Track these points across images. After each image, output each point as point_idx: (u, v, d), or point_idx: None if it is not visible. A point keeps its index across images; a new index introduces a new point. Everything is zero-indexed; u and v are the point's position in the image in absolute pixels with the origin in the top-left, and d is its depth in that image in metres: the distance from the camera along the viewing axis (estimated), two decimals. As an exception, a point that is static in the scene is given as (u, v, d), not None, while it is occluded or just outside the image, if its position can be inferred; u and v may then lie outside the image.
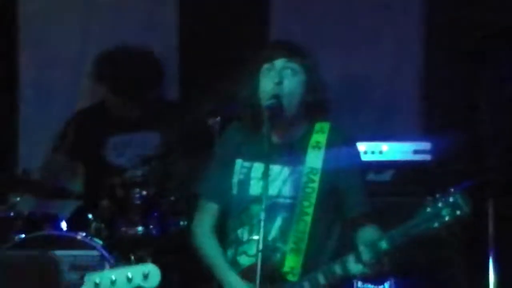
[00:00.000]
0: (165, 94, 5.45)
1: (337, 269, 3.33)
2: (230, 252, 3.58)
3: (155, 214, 4.73)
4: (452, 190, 3.27)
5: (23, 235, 4.60)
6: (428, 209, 3.23)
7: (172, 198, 4.82)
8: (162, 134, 5.15)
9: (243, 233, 3.53)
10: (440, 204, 3.21)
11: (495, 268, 4.54)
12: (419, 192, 4.43)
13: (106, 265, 4.61)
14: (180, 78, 5.70)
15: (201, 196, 3.71)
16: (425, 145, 4.82)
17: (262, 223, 3.22)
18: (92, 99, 5.34)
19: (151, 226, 4.72)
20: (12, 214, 4.78)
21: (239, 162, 3.58)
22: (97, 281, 3.31)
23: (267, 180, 3.34)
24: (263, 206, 3.27)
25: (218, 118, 4.36)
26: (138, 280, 3.31)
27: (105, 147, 5.25)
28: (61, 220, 4.85)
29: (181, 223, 4.76)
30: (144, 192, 4.76)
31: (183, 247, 4.43)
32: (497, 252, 4.56)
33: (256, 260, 3.28)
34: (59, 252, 4.43)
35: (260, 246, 3.21)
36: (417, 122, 5.47)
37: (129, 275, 3.29)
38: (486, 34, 5.42)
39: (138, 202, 4.74)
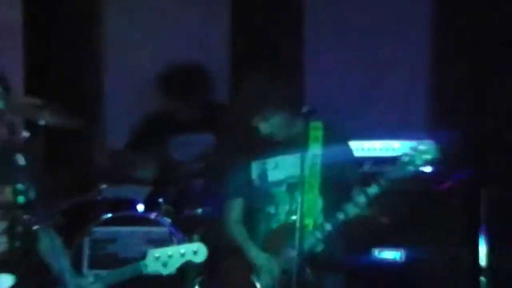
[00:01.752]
0: (218, 101, 5.76)
1: (339, 215, 3.97)
2: (263, 226, 4.24)
3: (211, 199, 5.23)
4: (423, 142, 3.91)
5: (109, 215, 5.13)
6: (404, 158, 3.88)
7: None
8: (215, 135, 5.55)
9: (270, 209, 4.22)
10: (412, 153, 3.86)
11: (485, 241, 4.94)
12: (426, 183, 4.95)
13: (174, 240, 5.06)
14: (231, 87, 6.07)
15: (229, 194, 4.39)
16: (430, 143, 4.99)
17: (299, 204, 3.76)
18: (159, 106, 5.73)
19: (208, 209, 5.27)
20: (99, 198, 5.36)
21: (254, 164, 4.28)
22: (157, 255, 3.80)
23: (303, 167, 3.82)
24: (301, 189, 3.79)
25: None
26: (189, 255, 3.84)
27: (169, 145, 5.63)
28: (138, 203, 5.31)
29: None
30: (202, 182, 5.33)
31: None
32: (487, 228, 4.94)
33: (283, 223, 4.09)
34: (136, 228, 5.09)
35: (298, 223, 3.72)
36: (424, 124, 5.87)
37: (182, 251, 3.82)
38: (496, 42, 5.62)
39: (197, 190, 5.33)
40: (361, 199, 3.93)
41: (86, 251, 5.11)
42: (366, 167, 4.90)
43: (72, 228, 5.07)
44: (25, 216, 3.65)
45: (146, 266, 3.80)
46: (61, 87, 5.99)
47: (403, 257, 5.14)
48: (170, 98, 5.60)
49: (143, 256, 4.03)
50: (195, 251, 3.84)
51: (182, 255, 3.83)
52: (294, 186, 4.18)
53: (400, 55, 6.03)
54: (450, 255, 5.02)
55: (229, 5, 6.13)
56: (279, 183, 4.24)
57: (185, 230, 5.10)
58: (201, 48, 6.05)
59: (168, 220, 5.13)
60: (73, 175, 5.38)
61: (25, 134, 3.85)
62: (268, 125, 4.16)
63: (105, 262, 5.06)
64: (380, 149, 5.20)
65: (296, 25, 6.08)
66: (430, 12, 5.95)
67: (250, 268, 4.15)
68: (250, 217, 4.37)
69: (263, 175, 4.28)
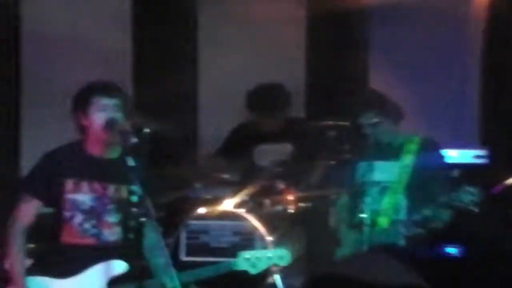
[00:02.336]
0: (295, 115, 6.06)
1: (427, 216, 4.36)
2: (358, 219, 4.57)
3: (290, 198, 5.47)
4: (471, 188, 4.27)
5: (203, 210, 5.32)
6: (456, 194, 4.30)
7: (301, 187, 5.53)
8: (293, 145, 5.77)
9: (362, 208, 4.58)
10: (461, 193, 4.29)
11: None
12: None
13: (257, 233, 5.24)
14: (306, 102, 6.50)
15: (342, 188, 4.83)
16: (483, 152, 5.40)
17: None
18: (245, 118, 6.03)
19: (287, 206, 5.49)
20: (194, 195, 5.64)
21: (362, 164, 4.70)
22: (247, 257, 3.99)
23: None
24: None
25: (333, 132, 5.49)
26: (275, 259, 4.04)
27: (253, 153, 5.88)
28: (226, 200, 5.46)
29: (306, 205, 5.48)
30: (283, 184, 5.55)
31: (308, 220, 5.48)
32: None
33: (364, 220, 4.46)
34: (225, 222, 5.29)
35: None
36: (478, 135, 6.18)
37: (269, 255, 4.03)
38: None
39: (278, 190, 5.55)
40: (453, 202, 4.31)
41: (183, 241, 5.28)
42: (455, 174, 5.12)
43: (171, 220, 5.27)
44: (136, 212, 3.74)
45: (236, 265, 3.99)
46: (164, 101, 6.32)
47: (465, 252, 5.36)
48: (255, 113, 5.84)
49: (233, 248, 4.58)
50: (280, 256, 4.04)
51: (269, 258, 4.02)
52: (385, 189, 4.59)
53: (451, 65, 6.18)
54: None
55: (303, 33, 6.47)
56: (373, 183, 4.62)
57: (267, 225, 5.29)
58: (280, 69, 6.34)
59: (252, 216, 5.32)
60: (173, 175, 5.43)
61: (135, 140, 3.88)
62: (378, 130, 4.58)
63: (199, 251, 5.26)
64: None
65: (361, 45, 6.39)
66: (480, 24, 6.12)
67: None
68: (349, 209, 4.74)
69: (362, 174, 4.67)
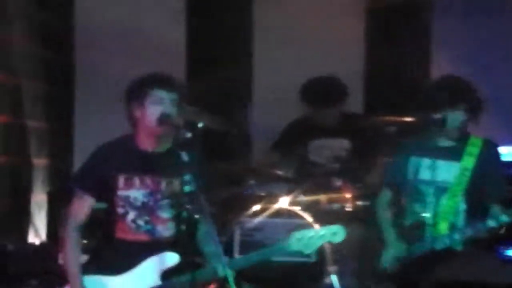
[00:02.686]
0: (352, 109, 5.99)
1: (489, 222, 4.19)
2: (409, 219, 4.49)
3: (348, 196, 5.43)
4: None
5: (257, 207, 5.27)
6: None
7: (360, 185, 5.53)
8: (351, 141, 5.76)
9: (418, 208, 4.47)
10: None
11: None
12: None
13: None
14: (364, 96, 6.50)
15: (383, 183, 4.73)
16: None
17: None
18: (302, 113, 5.99)
19: (345, 204, 5.43)
20: (248, 192, 5.62)
21: (413, 158, 4.52)
22: (299, 237, 3.97)
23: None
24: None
25: (393, 127, 5.34)
26: (328, 236, 3.99)
27: (308, 148, 5.85)
28: (281, 197, 5.39)
29: (366, 203, 5.41)
30: (340, 181, 5.54)
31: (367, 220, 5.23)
32: None
33: (417, 221, 4.39)
34: (280, 219, 5.24)
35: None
36: None
37: (321, 232, 3.99)
38: None
39: (335, 187, 5.52)
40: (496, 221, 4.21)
41: (237, 239, 5.24)
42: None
43: (224, 218, 5.27)
44: (190, 206, 3.77)
45: (289, 246, 3.98)
46: (218, 95, 6.38)
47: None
48: (311, 106, 5.82)
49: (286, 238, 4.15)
50: (333, 232, 3.99)
51: (322, 236, 3.98)
52: (441, 190, 4.44)
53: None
54: None
55: (362, 28, 6.49)
56: (428, 182, 4.46)
57: (323, 223, 4.88)
58: (338, 62, 6.31)
59: (308, 214, 5.25)
60: (227, 171, 5.56)
61: (188, 134, 3.88)
62: (446, 122, 4.34)
63: (253, 248, 4.72)
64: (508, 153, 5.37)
65: (423, 41, 6.40)
66: None
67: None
68: (396, 207, 4.64)
69: (416, 171, 4.49)
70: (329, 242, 4.05)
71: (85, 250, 4.25)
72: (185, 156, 3.77)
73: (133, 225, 4.13)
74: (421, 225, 4.43)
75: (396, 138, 5.24)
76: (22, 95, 6.05)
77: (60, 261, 5.01)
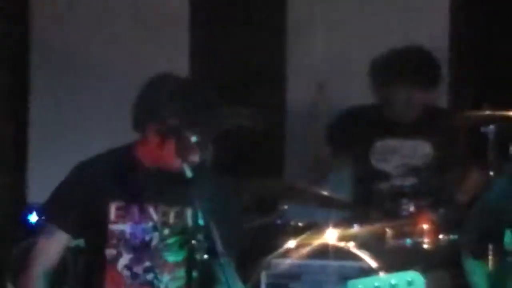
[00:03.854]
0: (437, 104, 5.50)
1: None
2: None
3: (425, 226, 4.82)
4: None
5: (293, 243, 4.77)
6: None
7: (443, 210, 4.91)
8: (433, 144, 5.18)
9: None
10: None
11: None
12: None
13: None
14: (450, 82, 5.79)
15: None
16: None
17: None
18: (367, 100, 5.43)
19: (421, 239, 4.83)
20: (279, 221, 5.00)
21: None
22: (360, 287, 3.45)
23: None
24: None
25: (492, 126, 4.71)
26: (402, 287, 3.44)
27: (372, 150, 5.30)
28: (328, 228, 4.90)
29: (451, 236, 4.85)
30: (413, 204, 4.88)
31: (454, 262, 4.60)
32: None
33: None
34: (326, 262, 4.71)
35: None
36: None
37: (393, 282, 3.40)
38: None
39: (406, 213, 4.87)
40: None
41: (265, 287, 4.80)
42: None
43: (249, 257, 4.61)
44: (204, 245, 3.44)
45: None
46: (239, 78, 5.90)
47: None
48: (391, 92, 5.16)
49: None
50: (409, 281, 3.41)
51: (393, 286, 3.41)
52: None
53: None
54: None
55: None
56: None
57: (390, 266, 4.58)
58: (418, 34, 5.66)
59: (368, 253, 4.68)
60: (252, 190, 5.00)
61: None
62: None
63: None
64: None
65: None
66: None
67: None
68: None
69: None
70: None
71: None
72: (189, 172, 3.51)
73: (127, 273, 3.78)
74: None
75: (499, 143, 4.77)
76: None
77: None
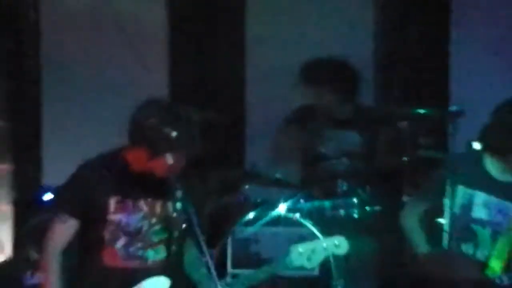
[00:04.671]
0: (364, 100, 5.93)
1: None
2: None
3: (355, 201, 5.39)
4: None
5: (252, 215, 5.27)
6: None
7: (368, 188, 5.45)
8: (361, 134, 5.66)
9: (467, 249, 4.21)
10: None
11: None
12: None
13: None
14: (376, 85, 6.29)
15: (414, 195, 4.64)
16: None
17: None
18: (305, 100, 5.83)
19: (352, 211, 5.38)
20: (242, 199, 5.52)
21: (461, 188, 4.23)
22: (301, 250, 4.00)
23: None
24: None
25: (406, 122, 5.30)
26: (331, 248, 4.04)
27: (320, 138, 5.73)
28: (280, 204, 5.36)
29: (376, 208, 5.40)
30: (346, 183, 5.44)
31: (378, 230, 5.37)
32: None
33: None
34: (279, 229, 5.23)
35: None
36: None
37: (324, 245, 4.02)
38: None
39: (341, 190, 5.44)
40: None
41: (230, 251, 5.26)
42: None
43: (216, 227, 5.23)
44: (181, 227, 3.94)
45: (291, 261, 4.00)
46: (209, 82, 6.29)
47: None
48: (329, 94, 5.66)
49: (287, 252, 4.17)
50: (336, 244, 4.03)
51: (325, 248, 4.02)
52: (499, 233, 4.14)
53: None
54: None
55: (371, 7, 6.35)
56: (483, 223, 4.20)
57: (328, 232, 5.02)
58: (345, 48, 6.11)
59: (310, 221, 5.22)
60: (218, 175, 5.57)
61: None
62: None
63: (248, 262, 5.21)
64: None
65: (442, 29, 6.23)
66: None
67: None
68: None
69: (467, 207, 4.24)
70: (333, 255, 4.16)
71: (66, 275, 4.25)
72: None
73: (123, 252, 4.16)
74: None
75: (415, 136, 5.31)
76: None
77: (28, 282, 5.48)
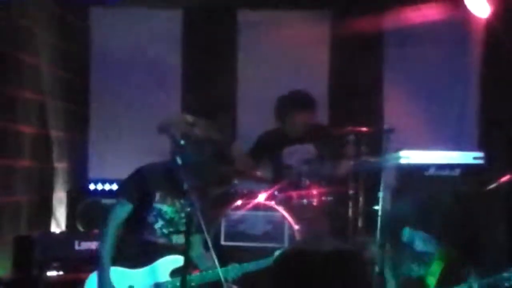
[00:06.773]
0: (319, 120, 6.41)
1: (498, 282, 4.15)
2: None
3: (314, 192, 5.79)
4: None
5: (239, 202, 5.68)
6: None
7: (323, 182, 5.80)
8: (316, 147, 6.11)
9: (419, 271, 4.51)
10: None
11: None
12: (476, 184, 5.08)
13: (286, 222, 5.56)
14: (329, 108, 6.96)
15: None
16: (480, 154, 5.37)
17: None
18: (275, 125, 6.34)
19: (312, 199, 5.74)
20: (233, 190, 6.07)
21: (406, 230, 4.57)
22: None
23: None
24: None
25: (351, 136, 5.63)
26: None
27: (282, 154, 6.22)
28: (260, 194, 5.85)
29: (329, 198, 5.75)
30: (307, 180, 5.88)
31: (331, 213, 5.69)
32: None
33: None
34: (259, 212, 5.59)
35: None
36: (477, 140, 6.82)
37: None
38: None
39: (304, 185, 5.87)
40: None
41: (223, 228, 5.65)
42: (431, 171, 5.21)
43: (214, 211, 5.41)
44: (192, 222, 4.22)
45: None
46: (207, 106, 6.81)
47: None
48: (285, 118, 6.16)
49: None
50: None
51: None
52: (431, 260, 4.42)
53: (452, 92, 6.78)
54: None
55: (327, 53, 7.06)
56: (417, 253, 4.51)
57: (295, 215, 5.66)
58: (308, 80, 6.71)
59: (282, 207, 5.68)
60: (218, 173, 5.53)
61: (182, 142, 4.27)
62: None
63: (236, 237, 5.62)
64: (442, 157, 5.36)
65: (377, 68, 6.95)
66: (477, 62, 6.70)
67: None
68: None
69: (410, 242, 4.53)
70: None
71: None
72: (179, 160, 4.28)
73: (159, 231, 4.54)
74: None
75: (356, 146, 5.61)
76: (46, 110, 6.39)
77: (77, 248, 5.68)
